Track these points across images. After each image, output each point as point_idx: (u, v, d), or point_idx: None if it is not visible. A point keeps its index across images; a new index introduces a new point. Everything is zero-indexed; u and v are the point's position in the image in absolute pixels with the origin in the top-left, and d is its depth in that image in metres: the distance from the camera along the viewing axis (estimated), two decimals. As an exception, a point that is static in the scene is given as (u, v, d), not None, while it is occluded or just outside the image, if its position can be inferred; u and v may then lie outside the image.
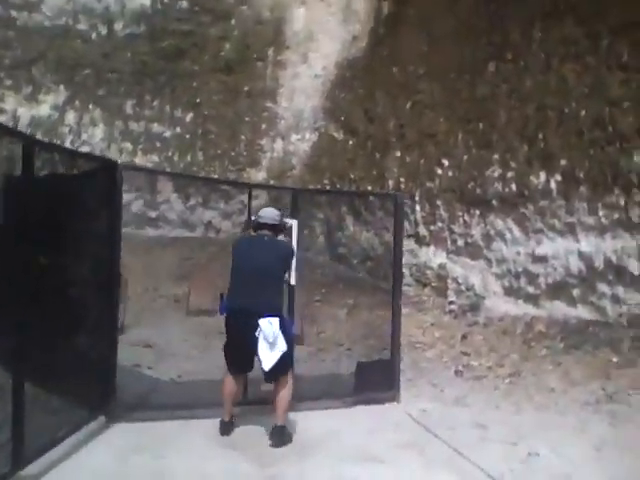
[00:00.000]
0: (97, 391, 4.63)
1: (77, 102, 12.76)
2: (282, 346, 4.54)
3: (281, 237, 5.06)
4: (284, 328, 4.61)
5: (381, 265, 10.67)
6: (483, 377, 6.43)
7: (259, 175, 13.49)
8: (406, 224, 10.35)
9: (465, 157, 9.28)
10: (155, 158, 13.09)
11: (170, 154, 13.18)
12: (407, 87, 10.51)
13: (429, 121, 9.93)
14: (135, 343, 7.36)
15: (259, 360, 4.57)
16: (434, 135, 9.80)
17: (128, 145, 12.99)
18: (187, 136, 13.18)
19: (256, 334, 4.46)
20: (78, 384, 4.46)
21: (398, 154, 10.52)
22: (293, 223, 5.40)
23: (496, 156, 8.72)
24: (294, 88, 13.30)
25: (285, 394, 4.65)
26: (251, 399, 5.13)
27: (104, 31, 12.94)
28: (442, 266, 9.52)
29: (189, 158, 13.21)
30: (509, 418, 5.35)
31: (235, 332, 4.63)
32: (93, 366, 4.61)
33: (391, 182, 10.54)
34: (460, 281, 9.21)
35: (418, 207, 9.93)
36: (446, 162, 9.56)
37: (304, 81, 13.16)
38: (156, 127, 13.12)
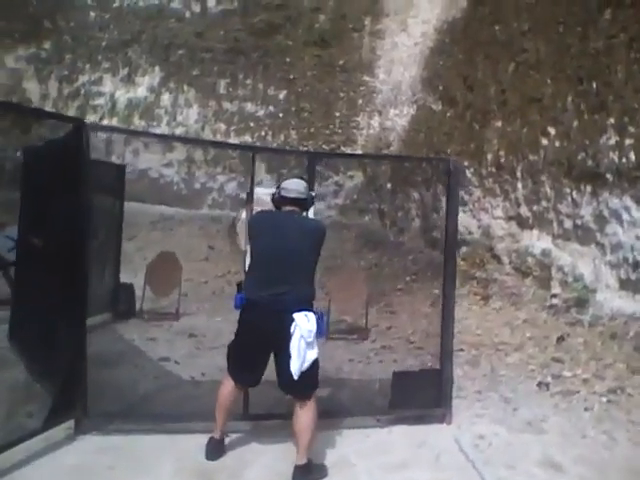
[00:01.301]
0: (64, 391, 3.74)
1: (171, 83, 12.26)
2: (316, 349, 3.52)
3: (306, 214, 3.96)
4: (318, 328, 3.55)
5: (477, 251, 9.21)
6: (574, 393, 4.93)
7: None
8: (506, 204, 8.82)
9: (575, 124, 7.57)
10: (248, 138, 12.34)
11: (263, 134, 12.38)
12: (510, 47, 8.88)
13: (534, 84, 8.27)
14: (180, 332, 6.54)
15: (285, 367, 3.47)
16: (539, 99, 8.14)
17: (221, 126, 12.34)
18: (280, 115, 12.29)
19: (291, 331, 3.41)
20: (40, 379, 3.60)
21: (499, 124, 8.94)
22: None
23: (612, 121, 6.97)
24: (392, 59, 11.98)
25: (310, 422, 3.52)
26: (255, 413, 4.05)
27: (197, 9, 12.32)
28: (546, 253, 7.90)
29: (282, 137, 12.35)
30: (596, 454, 3.88)
31: (250, 330, 3.53)
32: (57, 359, 3.73)
33: (490, 156, 9.00)
34: (566, 270, 7.55)
35: (520, 184, 8.34)
36: (552, 130, 7.89)
37: (402, 51, 11.80)
38: (249, 106, 12.36)
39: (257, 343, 3.51)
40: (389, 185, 11.87)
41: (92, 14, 12.12)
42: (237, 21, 12.22)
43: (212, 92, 12.25)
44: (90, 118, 12.02)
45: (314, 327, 3.44)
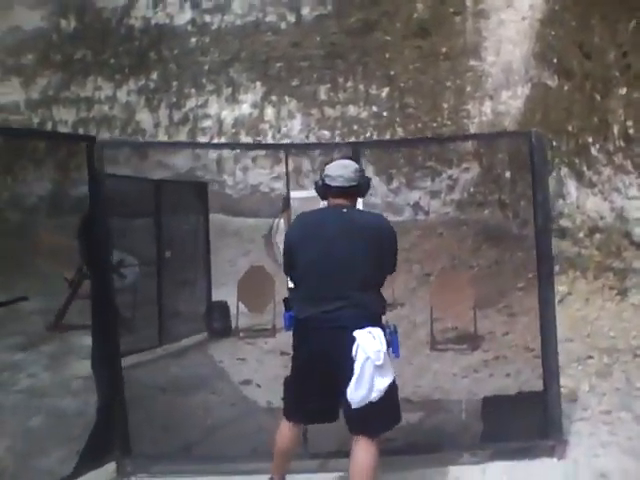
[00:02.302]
0: (96, 432, 3.34)
1: (273, 96, 12.02)
2: (389, 374, 2.74)
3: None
4: (388, 345, 2.80)
5: (611, 238, 7.92)
6: None
7: (468, 145, 11.33)
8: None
9: None
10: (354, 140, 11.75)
11: (368, 135, 11.75)
12: (628, 2, 7.58)
13: (660, 38, 6.97)
14: (272, 350, 6.04)
15: (344, 397, 2.74)
16: (668, 56, 6.83)
17: (325, 133, 11.87)
18: (384, 113, 11.62)
19: (353, 354, 2.67)
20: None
21: (623, 91, 7.65)
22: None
23: None
24: (500, 38, 10.89)
25: (370, 464, 2.76)
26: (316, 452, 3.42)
27: (292, 19, 11.98)
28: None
29: (388, 136, 11.63)
30: None
31: (306, 356, 2.83)
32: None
33: (616, 128, 7.72)
34: None
35: (654, 156, 7.02)
36: (688, 89, 6.56)
37: (510, 28, 10.68)
38: (352, 109, 11.81)
39: (318, 374, 2.80)
40: (508, 174, 10.75)
41: (193, 40, 12.19)
42: (332, 24, 11.73)
43: (313, 100, 11.84)
44: (201, 140, 12.11)
45: (383, 346, 2.69)
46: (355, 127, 11.80)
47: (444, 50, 11.29)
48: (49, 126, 12.10)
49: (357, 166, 2.96)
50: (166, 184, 6.72)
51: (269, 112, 12.07)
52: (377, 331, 2.70)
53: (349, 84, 11.76)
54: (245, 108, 12.16)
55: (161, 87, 12.19)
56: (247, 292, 6.42)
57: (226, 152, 12.15)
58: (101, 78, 12.31)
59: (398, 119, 11.62)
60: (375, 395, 2.65)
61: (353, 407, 2.68)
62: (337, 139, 11.86)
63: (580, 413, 3.96)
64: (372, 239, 2.80)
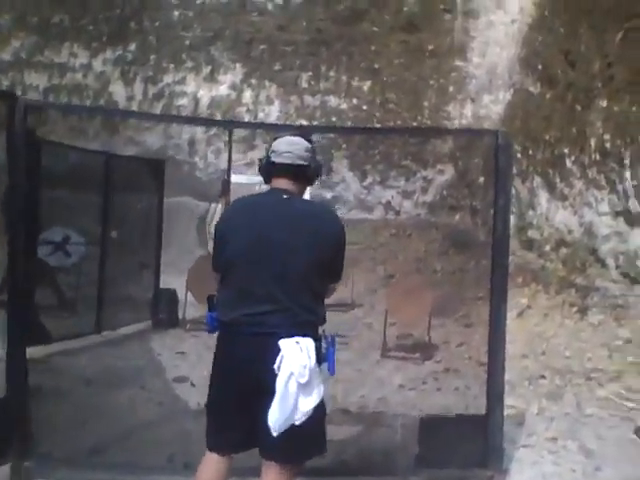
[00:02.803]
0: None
1: (253, 80, 11.61)
2: (318, 394, 2.26)
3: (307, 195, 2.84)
4: (319, 359, 2.31)
5: (577, 253, 7.71)
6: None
7: (445, 147, 11.07)
8: (613, 197, 7.28)
9: (697, 98, 6.00)
10: (330, 134, 11.39)
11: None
12: (617, 12, 7.33)
13: (646, 53, 6.73)
14: None
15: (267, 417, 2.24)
16: (652, 72, 6.60)
17: (303, 122, 11.47)
18: (364, 107, 11.29)
19: (274, 367, 2.21)
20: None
21: (604, 103, 7.42)
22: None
23: None
24: (487, 40, 10.61)
25: None
26: None
27: (280, 1, 11.56)
28: (662, 255, 6.36)
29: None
30: None
31: (226, 367, 2.36)
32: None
33: (593, 141, 7.50)
34: (687, 278, 6.00)
35: (628, 173, 6.81)
36: (669, 108, 6.34)
37: (499, 30, 10.41)
38: (332, 100, 11.46)
39: (236, 385, 2.31)
40: (482, 179, 10.50)
41: (176, 13, 11.72)
42: (320, 11, 11.34)
43: (294, 87, 11.46)
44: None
45: (311, 360, 2.21)
46: (334, 118, 11.45)
47: (430, 47, 10.98)
48: (19, 90, 11.54)
49: (309, 145, 2.46)
50: (118, 158, 6.31)
51: (247, 95, 11.67)
52: (306, 342, 2.23)
53: (332, 74, 11.40)
54: (223, 89, 11.74)
55: (138, 59, 11.72)
56: (196, 282, 6.06)
57: (200, 133, 11.71)
58: (77, 45, 11.80)
59: (378, 114, 11.30)
60: (298, 418, 2.20)
61: (273, 433, 2.20)
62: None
63: (525, 439, 3.71)
64: (315, 234, 2.32)
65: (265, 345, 2.21)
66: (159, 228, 6.21)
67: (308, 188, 2.63)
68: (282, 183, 2.42)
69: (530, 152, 8.87)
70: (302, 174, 2.44)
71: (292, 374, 2.17)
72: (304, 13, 11.50)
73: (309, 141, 2.49)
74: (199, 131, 11.59)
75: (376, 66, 11.23)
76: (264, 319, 2.26)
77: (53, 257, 5.72)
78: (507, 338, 5.12)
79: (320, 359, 2.26)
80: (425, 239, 10.60)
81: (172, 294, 6.19)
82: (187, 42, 11.73)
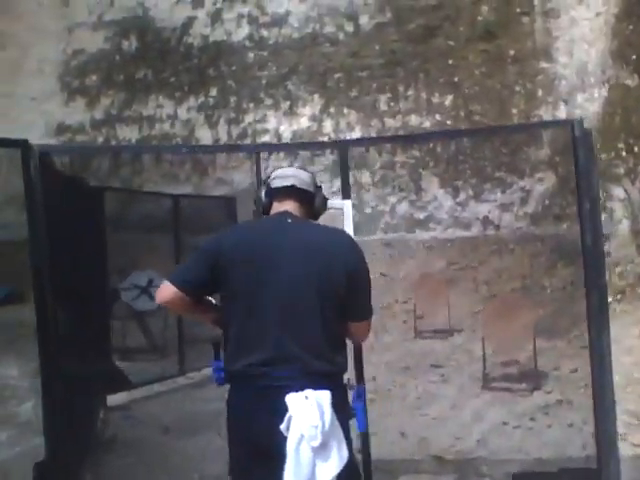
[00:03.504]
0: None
1: (332, 109, 11.48)
2: (339, 458, 1.87)
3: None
4: (345, 414, 1.99)
5: None
6: None
7: (541, 153, 10.36)
8: None
9: None
10: (416, 153, 11.03)
11: (432, 146, 10.96)
12: None
13: None
14: None
15: None
16: None
17: (386, 145, 11.17)
18: (448, 122, 10.81)
19: (281, 428, 1.89)
20: None
21: None
22: (344, 205, 2.95)
23: None
24: (572, 37, 9.89)
25: None
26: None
27: (351, 28, 11.41)
28: None
29: (453, 147, 10.80)
30: None
31: (240, 428, 2.00)
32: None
33: None
34: None
35: None
36: None
37: (583, 26, 9.67)
38: (413, 119, 11.08)
39: (250, 449, 1.95)
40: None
41: (251, 54, 11.87)
42: (392, 32, 11.08)
43: (373, 111, 11.21)
44: (260, 156, 11.69)
45: (325, 417, 1.85)
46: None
47: (512, 53, 10.39)
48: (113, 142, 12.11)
49: (311, 175, 2.29)
50: (187, 199, 6.25)
51: (328, 125, 11.54)
52: (320, 395, 1.87)
53: (410, 92, 11.05)
54: (303, 121, 11.69)
55: (220, 103, 11.93)
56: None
57: (285, 167, 11.69)
58: (162, 96, 12.21)
59: (463, 127, 10.78)
60: (329, 471, 1.84)
61: None
62: (398, 151, 11.17)
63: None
64: (329, 263, 2.00)
65: (272, 402, 1.87)
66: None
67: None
68: (285, 206, 2.14)
69: (636, 149, 8.04)
70: (308, 200, 2.17)
71: (303, 436, 1.81)
72: (376, 36, 11.29)
73: (313, 174, 2.34)
74: (284, 166, 11.53)
75: (455, 79, 10.77)
76: (269, 370, 1.91)
77: (139, 301, 5.70)
78: (630, 360, 4.48)
79: (346, 414, 1.90)
80: (529, 253, 9.93)
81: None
82: (264, 81, 11.84)
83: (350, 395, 1.95)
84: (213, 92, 12.11)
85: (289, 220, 2.07)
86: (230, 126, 12.04)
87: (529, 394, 4.77)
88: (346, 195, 3.04)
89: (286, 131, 11.83)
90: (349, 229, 2.95)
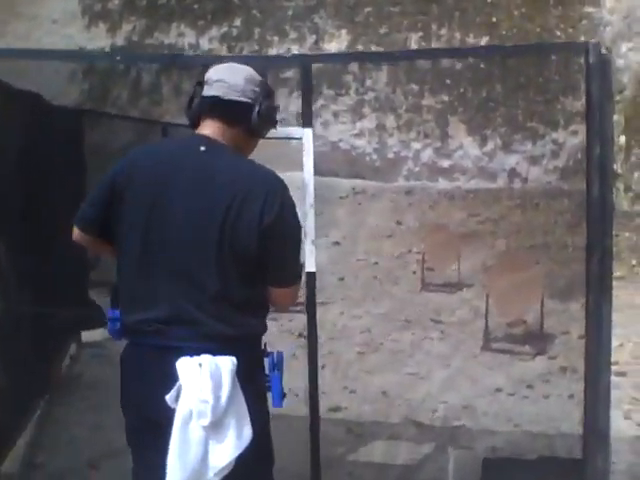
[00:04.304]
0: None
1: (359, 45, 10.84)
2: (242, 436, 1.48)
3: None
4: (256, 385, 1.59)
5: None
6: None
7: (578, 104, 9.65)
8: None
9: None
10: (445, 97, 10.43)
11: (462, 90, 10.33)
12: None
13: None
14: (292, 329, 5.00)
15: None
16: None
17: (414, 87, 10.59)
18: (482, 65, 10.12)
19: (167, 399, 1.48)
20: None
21: None
22: (304, 134, 2.53)
23: None
24: (624, -22, 9.04)
25: None
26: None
27: (384, -42, 10.65)
28: None
29: (485, 93, 10.18)
30: None
31: (130, 393, 1.62)
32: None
33: None
34: None
35: None
36: None
37: (638, -35, 8.81)
38: (445, 61, 10.39)
39: (139, 419, 1.59)
40: (622, 138, 9.06)
41: (279, -17, 11.18)
42: (429, -36, 10.29)
43: (403, 49, 10.52)
44: (281, 92, 11.25)
45: (223, 390, 1.46)
46: (448, 81, 10.41)
47: (556, -6, 9.60)
48: (133, 73, 11.69)
49: (258, 79, 1.67)
50: (175, 128, 5.50)
51: (353, 63, 10.92)
52: (219, 363, 1.47)
53: (443, 32, 10.37)
54: (328, 58, 11.05)
55: (243, 34, 11.38)
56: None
57: (306, 105, 11.23)
58: (184, 25, 11.69)
59: (497, 72, 10.11)
60: (210, 478, 1.46)
61: None
62: (426, 94, 10.57)
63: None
64: (240, 208, 1.54)
65: (164, 365, 1.48)
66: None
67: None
68: (207, 128, 1.62)
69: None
70: (238, 115, 1.61)
71: (192, 412, 1.45)
72: (412, -31, 10.52)
73: (263, 76, 1.70)
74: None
75: (493, 20, 10.04)
76: (163, 328, 1.52)
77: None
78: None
79: (258, 385, 1.54)
80: (555, 209, 9.41)
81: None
82: (290, 12, 11.21)
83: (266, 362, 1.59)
84: (237, 22, 11.54)
85: (202, 148, 1.58)
86: (252, 59, 11.54)
87: (531, 359, 4.41)
88: (307, 122, 2.59)
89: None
90: (308, 166, 2.53)
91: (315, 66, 10.37)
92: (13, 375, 2.83)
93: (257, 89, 1.64)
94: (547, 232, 8.72)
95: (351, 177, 11.02)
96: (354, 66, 11.02)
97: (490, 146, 10.35)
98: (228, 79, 1.62)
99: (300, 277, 1.70)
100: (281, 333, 4.90)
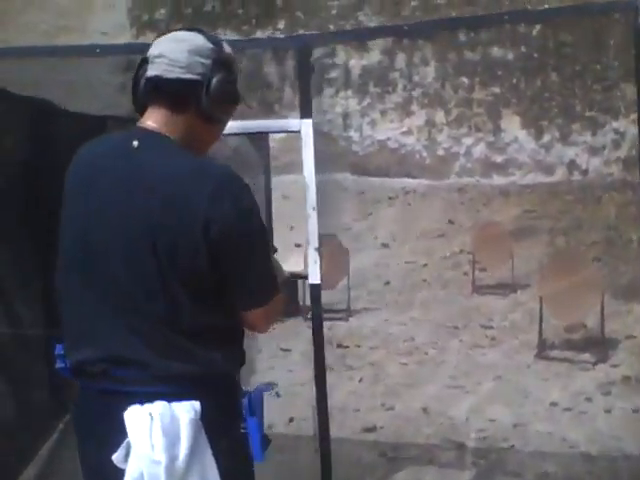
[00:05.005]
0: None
1: (405, 40, 10.49)
2: None
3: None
4: (228, 435, 1.25)
5: None
6: None
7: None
8: None
9: None
10: (496, 90, 10.01)
11: (515, 81, 9.90)
12: None
13: None
14: (331, 338, 4.74)
15: None
16: None
17: (464, 80, 10.20)
18: (535, 55, 9.65)
19: (115, 460, 1.19)
20: None
21: None
22: (302, 125, 2.25)
23: None
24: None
25: None
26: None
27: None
28: None
29: (539, 83, 9.72)
30: None
31: (87, 449, 1.31)
32: None
33: None
34: None
35: None
36: None
37: None
38: (495, 51, 9.96)
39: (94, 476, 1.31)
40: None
41: (321, -17, 11.00)
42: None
43: (450, 43, 10.15)
44: (326, 92, 11.14)
45: (173, 451, 1.16)
46: (499, 72, 10.00)
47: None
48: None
49: (209, 46, 1.31)
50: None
51: (400, 59, 10.64)
52: (176, 411, 1.18)
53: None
54: (374, 56, 10.82)
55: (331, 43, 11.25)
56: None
57: (353, 105, 10.99)
58: (229, 30, 11.64)
59: (552, 61, 9.61)
60: None
61: None
62: (477, 87, 10.15)
63: None
64: (177, 220, 1.22)
65: (112, 414, 1.19)
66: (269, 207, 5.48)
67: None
68: (150, 117, 1.30)
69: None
70: (185, 98, 1.28)
71: (142, 476, 1.16)
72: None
73: (216, 44, 1.32)
74: (352, 104, 10.90)
75: (546, 6, 9.47)
76: (110, 369, 1.24)
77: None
78: None
79: (231, 435, 1.24)
80: (618, 202, 8.84)
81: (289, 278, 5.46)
82: (334, 12, 10.98)
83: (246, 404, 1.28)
84: (281, 25, 11.42)
85: (134, 144, 1.26)
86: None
87: (591, 367, 3.99)
88: (306, 113, 2.33)
89: (355, 66, 11.03)
90: (308, 161, 2.27)
91: (360, 64, 10.07)
92: (28, 398, 2.68)
93: (206, 61, 1.28)
94: (609, 227, 8.19)
95: (400, 176, 10.72)
96: (400, 62, 10.72)
97: (547, 138, 9.86)
98: (169, 53, 1.28)
99: (275, 291, 1.33)
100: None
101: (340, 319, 5.18)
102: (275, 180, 2.89)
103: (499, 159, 10.12)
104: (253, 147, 6.00)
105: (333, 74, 11.18)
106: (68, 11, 12.23)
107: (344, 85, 11.10)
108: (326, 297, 5.64)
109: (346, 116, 11.06)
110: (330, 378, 3.74)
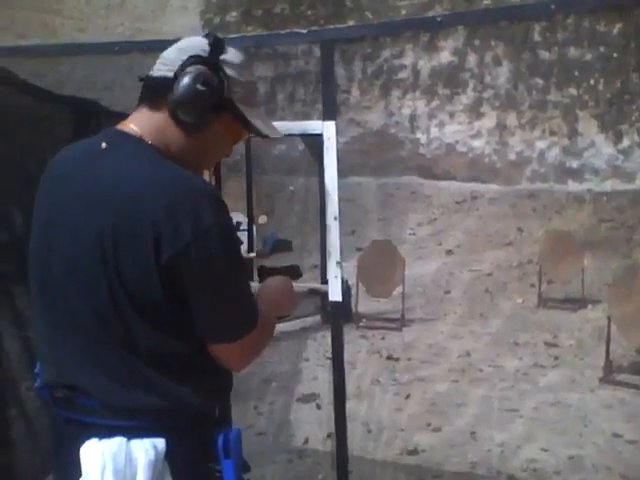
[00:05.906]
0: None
1: (477, 41, 10.18)
2: None
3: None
4: (194, 474, 1.10)
5: None
6: None
7: None
8: None
9: None
10: (572, 91, 9.55)
11: (592, 82, 9.42)
12: None
13: None
14: (381, 349, 4.60)
15: None
16: None
17: (538, 81, 9.80)
18: (614, 55, 9.14)
19: None
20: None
21: None
22: (325, 128, 2.10)
23: None
24: None
25: None
26: None
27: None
28: None
29: (619, 84, 9.20)
30: None
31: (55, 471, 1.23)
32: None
33: None
34: None
35: None
36: None
37: None
38: (572, 51, 9.52)
39: None
40: None
41: (391, -18, 10.82)
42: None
43: (524, 42, 9.77)
44: (394, 94, 10.99)
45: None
46: (576, 73, 9.53)
47: None
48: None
49: (204, 47, 1.19)
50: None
51: (471, 59, 10.32)
52: (133, 450, 1.05)
53: (569, 20, 9.45)
54: (444, 56, 10.54)
55: (356, 37, 11.08)
56: (369, 271, 5.09)
57: (421, 107, 10.78)
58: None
59: (633, 61, 9.06)
60: None
61: None
62: (552, 88, 9.70)
63: None
64: (134, 231, 1.08)
65: (74, 446, 1.08)
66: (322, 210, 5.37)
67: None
68: (132, 117, 1.19)
69: None
70: (160, 95, 1.16)
71: None
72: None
73: (216, 48, 1.18)
74: (420, 105, 10.68)
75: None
76: (71, 396, 1.13)
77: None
78: None
79: (202, 475, 1.10)
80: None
81: (344, 284, 5.34)
82: (404, 11, 10.77)
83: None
84: (349, 25, 11.32)
85: (103, 145, 1.14)
86: (365, 62, 11.23)
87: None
88: (329, 114, 2.17)
89: (424, 67, 10.77)
90: (331, 168, 2.13)
91: (429, 66, 9.80)
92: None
93: (189, 60, 1.16)
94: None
95: (469, 181, 10.42)
96: (471, 62, 10.39)
97: (626, 143, 9.32)
98: (164, 52, 1.20)
99: (249, 325, 1.14)
100: (370, 355, 4.50)
101: (393, 329, 5.01)
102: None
103: (574, 164, 9.65)
104: (307, 148, 5.90)
105: (401, 75, 10.98)
106: (144, 15, 12.59)
107: (412, 86, 10.88)
108: (380, 305, 5.52)
109: (413, 118, 10.84)
110: (376, 392, 3.60)
